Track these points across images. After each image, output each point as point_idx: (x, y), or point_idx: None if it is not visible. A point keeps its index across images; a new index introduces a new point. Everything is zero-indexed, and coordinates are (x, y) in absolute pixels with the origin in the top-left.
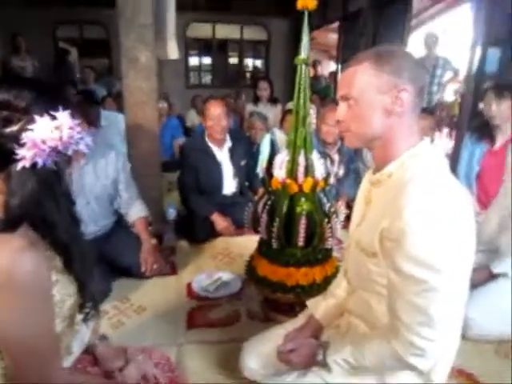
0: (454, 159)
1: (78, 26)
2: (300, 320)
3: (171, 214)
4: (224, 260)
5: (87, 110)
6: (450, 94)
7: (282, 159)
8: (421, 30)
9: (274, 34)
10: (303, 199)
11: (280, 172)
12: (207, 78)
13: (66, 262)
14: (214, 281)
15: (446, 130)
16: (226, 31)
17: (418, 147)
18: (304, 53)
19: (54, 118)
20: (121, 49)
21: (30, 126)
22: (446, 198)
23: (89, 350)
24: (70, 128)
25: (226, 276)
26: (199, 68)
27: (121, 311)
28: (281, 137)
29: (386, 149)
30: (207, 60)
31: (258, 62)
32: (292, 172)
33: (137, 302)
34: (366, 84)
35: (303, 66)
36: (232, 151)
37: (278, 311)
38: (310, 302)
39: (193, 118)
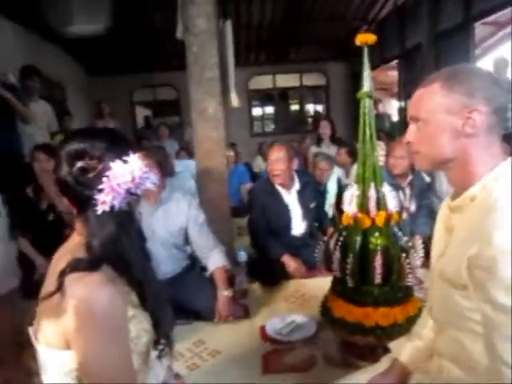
0: None
1: (151, 90)
2: (383, 364)
3: (242, 256)
4: (297, 302)
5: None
6: None
7: (352, 194)
8: (487, 57)
9: (332, 78)
10: (377, 234)
11: (350, 207)
12: (270, 126)
13: (141, 298)
14: (288, 324)
15: None
16: (286, 80)
17: (499, 168)
18: (366, 86)
19: (124, 162)
20: (191, 102)
21: (106, 173)
22: None
23: None
24: (140, 169)
25: (299, 319)
26: (262, 117)
27: (195, 354)
28: (340, 174)
29: (464, 171)
30: (269, 109)
31: (319, 107)
32: (363, 206)
33: (211, 346)
34: (435, 105)
35: (367, 100)
36: (300, 194)
37: (357, 355)
38: (393, 345)
39: (260, 164)
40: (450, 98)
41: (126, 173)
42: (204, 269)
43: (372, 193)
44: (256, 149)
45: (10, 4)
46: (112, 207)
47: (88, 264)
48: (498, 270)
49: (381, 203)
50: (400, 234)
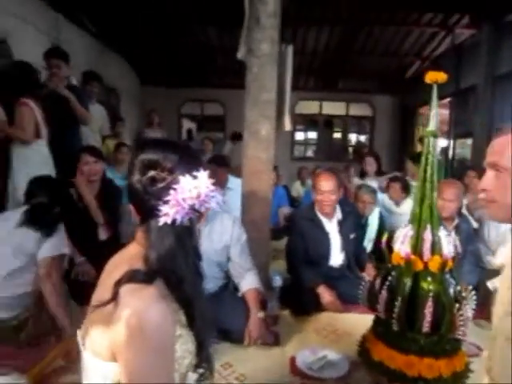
0: None
1: (199, 104)
2: None
3: (277, 281)
4: (330, 337)
5: (218, 172)
6: None
7: (406, 233)
8: None
9: (378, 109)
10: (429, 279)
11: (403, 247)
12: (311, 151)
13: (189, 317)
14: (320, 359)
15: None
16: (332, 108)
17: None
18: (432, 125)
19: (194, 177)
20: (245, 122)
21: (174, 186)
22: None
23: None
24: (207, 187)
25: (331, 355)
26: (305, 142)
27: (223, 377)
28: (388, 203)
29: None
30: (312, 134)
31: (362, 137)
32: (416, 248)
33: (238, 369)
34: None
35: (431, 139)
36: (341, 223)
37: None
38: None
39: (298, 188)
40: None
41: (192, 188)
42: (236, 289)
43: (428, 235)
44: (295, 172)
45: (79, 13)
46: (174, 221)
47: (144, 276)
48: None
49: (436, 247)
50: (453, 281)
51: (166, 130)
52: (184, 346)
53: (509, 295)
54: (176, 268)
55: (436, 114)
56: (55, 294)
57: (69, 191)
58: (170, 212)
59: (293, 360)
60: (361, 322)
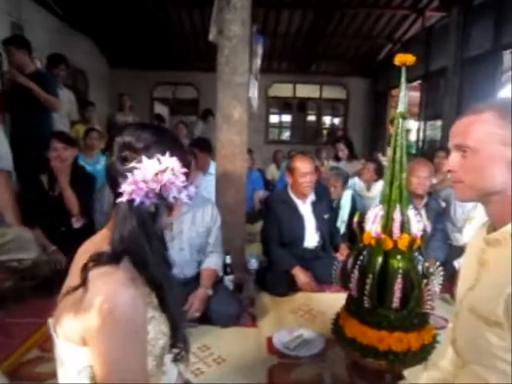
0: None
1: (172, 87)
2: None
3: (253, 264)
4: (305, 316)
5: (200, 157)
6: None
7: (376, 213)
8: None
9: (352, 92)
10: (399, 257)
11: (373, 227)
12: (286, 135)
13: (160, 300)
14: (296, 338)
15: None
16: (306, 91)
17: None
18: (401, 107)
19: (159, 161)
20: (217, 106)
21: (137, 165)
22: None
23: None
24: (174, 174)
25: (307, 334)
26: (279, 125)
27: (200, 359)
28: (360, 186)
29: (506, 205)
30: (287, 117)
31: (336, 120)
32: (387, 227)
33: (216, 351)
34: (487, 135)
35: (400, 120)
36: (315, 205)
37: (366, 379)
38: (408, 372)
39: (273, 172)
40: (505, 128)
41: (155, 171)
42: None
43: (397, 215)
44: (270, 156)
45: None
46: (132, 201)
47: (109, 257)
48: None
49: (405, 226)
50: (421, 258)
51: (137, 114)
52: (157, 328)
53: (471, 270)
54: (139, 250)
55: (405, 96)
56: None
57: (39, 179)
58: (126, 190)
59: (269, 340)
60: (335, 300)
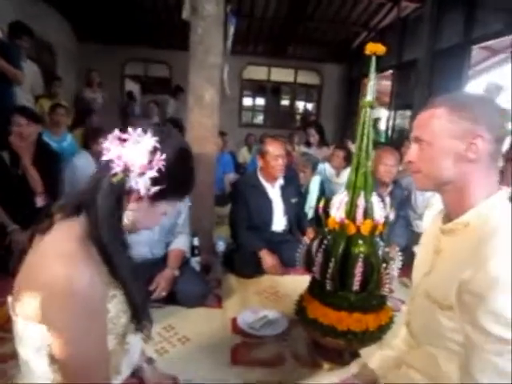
0: None
1: (143, 64)
2: (352, 369)
3: (220, 246)
4: (270, 298)
5: None
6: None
7: (341, 200)
8: (479, 80)
9: (326, 78)
10: (360, 241)
11: (338, 212)
12: (259, 118)
13: (112, 272)
14: (260, 318)
15: None
16: (281, 75)
17: (496, 197)
18: (370, 96)
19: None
20: (189, 87)
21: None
22: None
23: (136, 374)
24: (134, 157)
25: (272, 314)
26: (252, 108)
27: (165, 339)
28: (330, 172)
29: (461, 196)
30: (260, 101)
31: (309, 105)
32: (350, 213)
33: (181, 331)
34: (440, 128)
35: (368, 109)
36: (284, 189)
37: (326, 357)
38: (364, 351)
39: (244, 155)
40: (456, 123)
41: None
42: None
43: (361, 201)
44: (242, 139)
45: None
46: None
47: (63, 209)
48: (489, 296)
49: (368, 212)
50: (381, 244)
51: (107, 91)
52: (119, 306)
53: (427, 257)
54: (92, 211)
55: (373, 86)
56: None
57: (0, 155)
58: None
59: (234, 320)
60: (300, 283)
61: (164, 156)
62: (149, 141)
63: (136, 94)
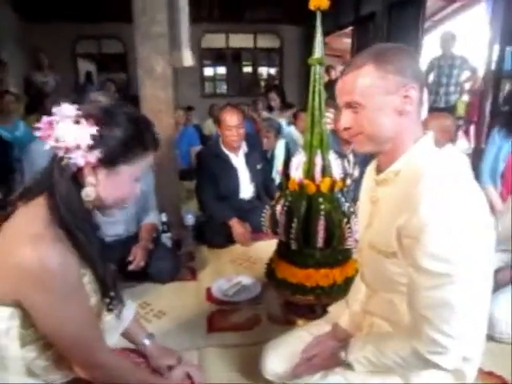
0: (475, 157)
1: (96, 42)
2: (322, 325)
3: (189, 219)
4: (244, 264)
5: None
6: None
7: (299, 160)
8: (437, 31)
9: (286, 41)
10: (321, 199)
11: (297, 173)
12: (222, 88)
13: (79, 252)
14: (234, 285)
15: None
16: (240, 41)
17: (422, 143)
18: (318, 53)
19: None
20: (137, 59)
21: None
22: (460, 191)
23: (138, 349)
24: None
25: (245, 280)
26: (214, 78)
27: (141, 316)
28: (296, 135)
29: (393, 146)
30: (222, 70)
31: (272, 70)
32: (309, 173)
33: (157, 307)
34: (371, 87)
35: (317, 67)
36: (248, 156)
37: (298, 314)
38: (332, 308)
39: (210, 127)
40: (386, 78)
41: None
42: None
43: (318, 160)
44: (206, 110)
45: None
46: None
47: (29, 195)
48: (422, 238)
49: (326, 170)
50: (343, 200)
51: (59, 73)
52: (89, 285)
53: (366, 209)
54: (53, 195)
55: (320, 42)
56: None
57: None
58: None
59: (209, 290)
60: (271, 247)
61: (92, 120)
62: (71, 112)
63: (93, 73)
